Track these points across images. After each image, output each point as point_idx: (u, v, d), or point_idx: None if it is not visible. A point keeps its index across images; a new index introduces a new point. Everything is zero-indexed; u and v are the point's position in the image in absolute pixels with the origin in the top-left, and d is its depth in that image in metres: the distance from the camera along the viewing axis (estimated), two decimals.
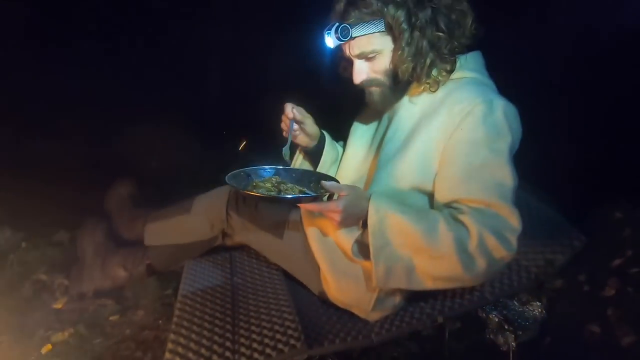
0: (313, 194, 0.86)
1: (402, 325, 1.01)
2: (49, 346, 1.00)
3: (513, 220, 0.79)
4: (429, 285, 0.83)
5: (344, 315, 1.05)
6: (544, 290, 1.07)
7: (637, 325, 0.89)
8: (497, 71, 0.92)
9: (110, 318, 1.12)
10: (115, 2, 2.04)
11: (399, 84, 0.91)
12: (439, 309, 1.06)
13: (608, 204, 1.11)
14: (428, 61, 0.85)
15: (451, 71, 0.87)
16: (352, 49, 0.89)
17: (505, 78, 0.90)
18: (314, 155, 1.15)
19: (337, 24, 0.86)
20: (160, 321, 1.11)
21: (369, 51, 0.88)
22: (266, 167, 1.03)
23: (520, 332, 0.99)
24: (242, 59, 2.13)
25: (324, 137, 1.14)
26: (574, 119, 1.28)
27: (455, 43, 0.86)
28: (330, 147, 1.15)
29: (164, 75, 1.96)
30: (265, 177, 1.01)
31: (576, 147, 1.23)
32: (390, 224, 0.82)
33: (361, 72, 0.91)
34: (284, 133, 1.06)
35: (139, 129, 1.74)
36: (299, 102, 1.05)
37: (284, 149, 1.02)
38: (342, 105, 1.14)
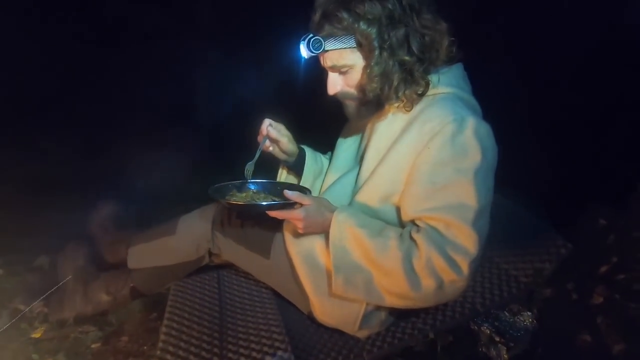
0: (283, 202, 0.86)
1: (393, 341, 1.00)
2: None
3: (469, 244, 0.77)
4: (387, 300, 0.84)
5: (335, 333, 1.03)
6: (534, 300, 1.07)
7: (627, 333, 0.89)
8: (480, 82, 0.93)
9: (93, 346, 1.08)
10: (95, 21, 2.04)
11: (372, 100, 0.91)
12: (431, 323, 1.04)
13: (592, 211, 1.12)
14: (395, 82, 0.84)
15: (423, 93, 0.86)
16: (325, 60, 0.90)
17: (489, 89, 0.91)
18: (296, 170, 1.15)
19: (311, 35, 0.86)
20: (145, 347, 1.08)
21: (340, 65, 0.88)
22: (253, 180, 1.04)
23: (512, 344, 0.98)
24: (230, 72, 2.14)
25: (304, 152, 1.14)
26: (559, 128, 1.31)
27: (428, 65, 0.86)
28: (312, 162, 1.15)
29: (148, 94, 1.95)
30: (247, 190, 1.03)
31: (561, 155, 1.25)
32: (349, 236, 0.83)
33: (334, 84, 0.91)
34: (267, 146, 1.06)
35: (121, 149, 1.71)
36: (283, 116, 1.05)
37: (247, 164, 1.02)
38: (332, 117, 1.14)
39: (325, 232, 0.88)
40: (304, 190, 0.96)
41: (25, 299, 1.20)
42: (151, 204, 1.44)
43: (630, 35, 1.22)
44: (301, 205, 0.88)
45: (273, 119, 1.04)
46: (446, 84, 0.88)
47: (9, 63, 1.69)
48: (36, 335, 1.09)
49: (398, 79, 0.84)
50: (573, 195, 1.21)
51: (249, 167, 1.02)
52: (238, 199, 0.95)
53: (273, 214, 0.86)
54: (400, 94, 0.86)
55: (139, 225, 1.32)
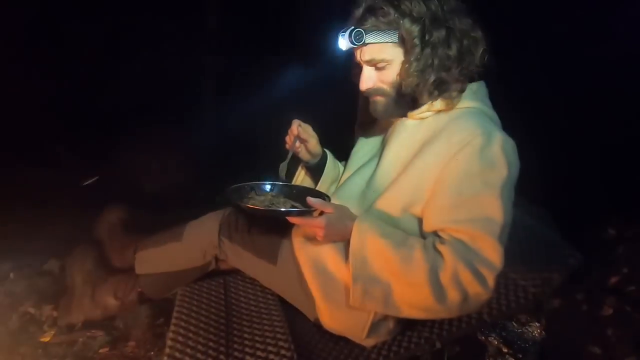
0: (302, 209, 0.86)
1: (400, 350, 0.99)
2: None
3: (494, 257, 0.77)
4: (405, 312, 0.82)
5: (340, 341, 1.03)
6: (543, 311, 1.06)
7: (638, 346, 0.87)
8: (496, 97, 0.93)
9: (100, 350, 1.09)
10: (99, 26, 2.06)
11: (403, 98, 0.91)
12: (437, 332, 1.04)
13: (602, 221, 1.11)
14: (432, 79, 0.85)
15: (456, 96, 0.87)
16: (364, 54, 0.90)
17: (504, 102, 0.91)
18: (315, 172, 1.15)
19: (353, 27, 0.87)
20: (151, 352, 1.08)
21: (379, 59, 0.89)
22: (268, 182, 1.03)
23: (520, 355, 0.97)
24: (241, 78, 2.15)
25: (326, 155, 1.14)
26: (568, 138, 1.30)
27: (464, 68, 0.87)
28: (332, 166, 1.15)
29: (155, 99, 1.96)
30: (264, 192, 1.02)
31: (571, 165, 1.24)
32: (371, 246, 0.82)
33: (369, 79, 0.91)
34: (287, 146, 1.07)
35: (130, 153, 1.73)
36: (306, 119, 1.06)
37: (281, 164, 1.03)
38: (348, 123, 1.14)
39: (345, 241, 0.87)
40: (324, 197, 0.94)
41: (35, 302, 1.21)
42: (159, 209, 1.44)
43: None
44: (321, 212, 0.87)
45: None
46: (473, 99, 0.89)
47: (11, 67, 1.72)
48: (45, 339, 1.11)
49: (435, 76, 0.85)
50: (583, 204, 1.20)
51: (283, 166, 1.02)
52: (257, 202, 0.93)
53: (293, 220, 0.86)
54: (435, 93, 0.87)
55: (147, 230, 1.33)
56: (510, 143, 0.84)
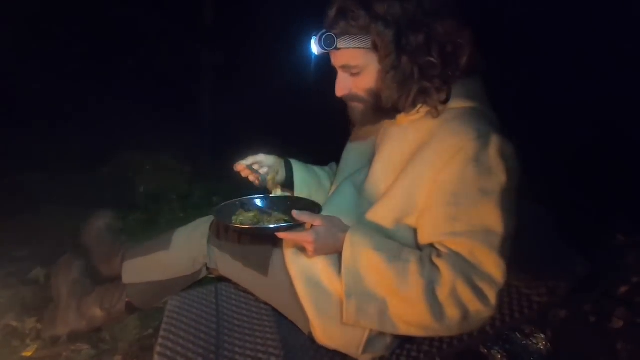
0: (291, 224, 0.81)
1: None
2: None
3: (495, 272, 0.71)
4: (402, 329, 0.77)
5: (336, 356, 0.98)
6: (548, 322, 1.01)
7: None
8: (497, 96, 0.86)
9: None
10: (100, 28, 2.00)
11: (382, 106, 0.85)
12: (438, 346, 0.99)
13: (611, 227, 1.06)
14: (414, 90, 0.79)
15: (447, 101, 0.81)
16: (336, 59, 0.85)
17: (506, 102, 0.85)
18: (288, 184, 1.11)
19: (324, 31, 0.81)
20: None
21: (352, 65, 0.83)
22: (258, 196, 1.00)
23: None
24: (236, 81, 2.10)
25: (291, 166, 1.10)
26: (576, 143, 1.24)
27: (448, 73, 0.80)
28: (303, 172, 1.11)
29: (150, 102, 1.91)
30: (254, 207, 0.98)
31: (579, 171, 1.19)
32: (363, 260, 0.77)
33: (344, 85, 0.86)
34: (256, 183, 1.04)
35: (118, 160, 1.68)
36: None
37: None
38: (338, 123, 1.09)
39: (337, 253, 0.82)
40: (315, 207, 0.89)
41: (18, 314, 1.17)
42: (147, 214, 1.39)
43: None
44: (311, 225, 0.82)
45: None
46: (466, 97, 0.81)
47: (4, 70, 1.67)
48: (27, 353, 1.06)
49: (417, 86, 0.79)
50: (591, 210, 1.14)
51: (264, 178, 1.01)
52: (245, 220, 0.90)
53: (282, 235, 0.81)
54: (419, 103, 0.81)
55: (133, 238, 1.28)
56: (509, 146, 0.77)
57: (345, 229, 0.81)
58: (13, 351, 1.06)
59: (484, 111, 0.81)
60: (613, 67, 1.21)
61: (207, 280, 1.31)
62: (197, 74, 2.18)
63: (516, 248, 1.17)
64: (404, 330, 0.77)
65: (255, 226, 0.81)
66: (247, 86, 1.98)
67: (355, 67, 0.83)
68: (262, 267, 1.09)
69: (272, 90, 1.87)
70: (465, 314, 0.70)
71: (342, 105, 0.91)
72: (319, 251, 0.80)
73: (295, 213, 0.78)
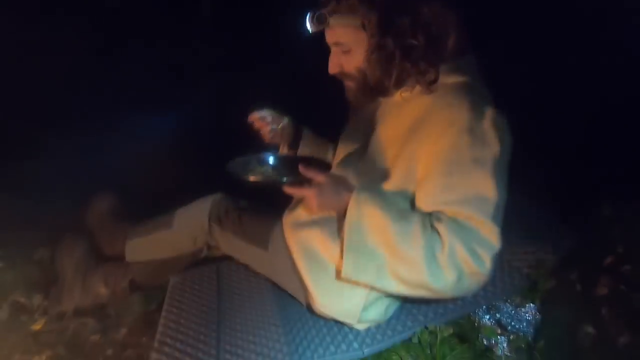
0: (298, 179, 0.83)
1: (393, 334, 0.98)
2: None
3: (491, 237, 0.74)
4: (396, 287, 0.79)
5: (334, 326, 1.02)
6: (537, 292, 1.05)
7: (632, 324, 0.86)
8: (487, 72, 0.89)
9: (91, 338, 1.08)
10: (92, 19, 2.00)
11: (373, 86, 0.88)
12: (431, 315, 1.03)
13: (598, 202, 1.09)
14: (396, 71, 0.82)
15: (434, 82, 0.83)
16: (329, 36, 0.89)
17: (494, 76, 0.88)
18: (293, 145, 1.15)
19: (317, 10, 0.85)
20: (143, 338, 1.07)
21: (342, 43, 0.87)
22: (271, 153, 1.02)
23: (514, 336, 0.97)
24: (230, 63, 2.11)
25: (301, 128, 1.14)
26: (563, 116, 1.26)
27: (434, 56, 0.83)
28: (311, 136, 1.14)
29: (147, 85, 1.93)
30: (266, 163, 1.00)
31: (566, 144, 1.21)
32: (368, 218, 0.79)
33: (335, 62, 0.90)
34: (267, 138, 1.05)
35: (120, 142, 1.70)
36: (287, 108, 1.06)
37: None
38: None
39: (340, 212, 0.83)
40: (323, 166, 0.91)
41: (25, 291, 1.20)
42: (149, 196, 1.42)
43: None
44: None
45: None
46: (459, 73, 0.84)
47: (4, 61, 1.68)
48: (36, 327, 1.10)
49: (400, 67, 0.82)
50: (579, 185, 1.18)
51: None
52: (256, 173, 0.91)
53: (288, 189, 0.83)
54: (404, 83, 0.84)
55: (136, 218, 1.31)
56: (502, 118, 0.80)
57: (350, 189, 0.83)
58: (22, 325, 1.10)
59: (477, 86, 0.83)
60: (599, 42, 1.23)
61: (208, 260, 1.35)
62: (191, 58, 2.18)
63: (508, 223, 1.21)
64: (398, 288, 0.79)
65: (266, 178, 0.83)
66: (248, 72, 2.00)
67: (346, 45, 0.86)
68: (263, 242, 1.12)
69: (273, 77, 1.88)
70: (460, 277, 0.73)
71: (341, 87, 0.94)
72: (321, 207, 0.82)
73: (302, 168, 0.80)
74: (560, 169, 1.19)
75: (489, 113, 0.78)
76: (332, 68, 0.91)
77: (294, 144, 1.13)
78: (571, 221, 1.12)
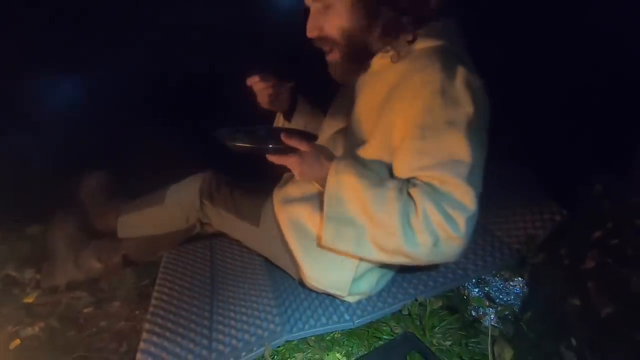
0: (284, 146, 0.81)
1: (384, 306, 1.00)
2: (17, 341, 0.96)
3: (465, 199, 0.72)
4: (375, 255, 0.79)
5: (326, 299, 1.03)
6: (526, 266, 1.07)
7: (617, 296, 0.88)
8: (476, 38, 0.87)
9: (85, 310, 1.08)
10: None
11: (354, 50, 0.86)
12: (421, 288, 1.04)
13: (589, 177, 1.10)
14: (379, 29, 0.81)
15: (413, 40, 0.82)
16: None
17: (487, 45, 0.86)
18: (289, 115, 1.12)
19: None
20: (137, 312, 1.08)
21: None
22: (261, 126, 0.97)
23: (502, 308, 0.98)
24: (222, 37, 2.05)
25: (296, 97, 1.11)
26: (553, 91, 1.25)
27: (416, 15, 0.81)
28: (305, 105, 1.12)
29: (136, 60, 1.88)
30: (253, 134, 0.95)
31: (556, 120, 1.20)
32: (346, 185, 0.79)
33: (315, 24, 0.86)
34: (265, 104, 1.02)
35: (112, 117, 1.68)
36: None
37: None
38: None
39: (322, 180, 0.83)
40: (309, 137, 0.89)
41: (17, 266, 1.20)
42: (141, 172, 1.41)
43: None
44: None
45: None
46: (435, 37, 0.82)
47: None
48: (28, 300, 1.10)
49: (385, 18, 0.80)
50: (569, 160, 1.18)
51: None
52: (242, 141, 0.86)
53: (272, 158, 0.82)
54: (386, 40, 0.83)
55: (128, 194, 1.30)
56: (476, 80, 0.78)
57: (331, 158, 0.83)
58: (14, 298, 1.10)
59: (454, 51, 0.82)
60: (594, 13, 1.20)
61: (202, 237, 1.36)
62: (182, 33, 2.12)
63: (499, 199, 1.22)
64: (377, 256, 0.80)
65: (251, 145, 0.81)
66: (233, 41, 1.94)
67: (324, 1, 0.83)
68: (254, 218, 1.12)
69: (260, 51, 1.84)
70: (436, 241, 0.73)
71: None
72: (304, 175, 0.82)
73: (283, 135, 0.79)
74: (551, 145, 1.19)
75: (462, 74, 0.76)
76: (311, 31, 0.87)
77: (289, 113, 1.11)
78: (561, 197, 1.12)
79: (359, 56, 0.87)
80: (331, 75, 0.93)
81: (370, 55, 0.87)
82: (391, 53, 0.84)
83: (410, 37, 0.82)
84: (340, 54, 0.87)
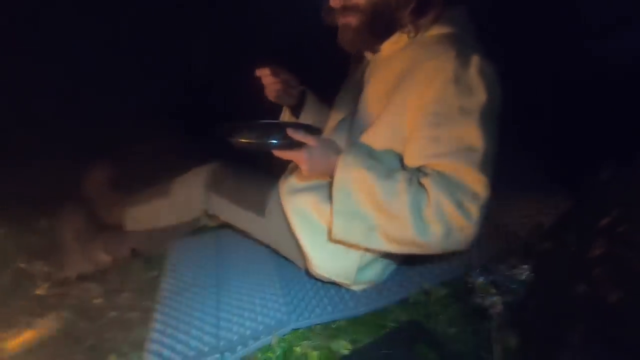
0: (290, 142, 0.80)
1: (389, 294, 1.01)
2: (31, 332, 0.98)
3: (478, 187, 0.73)
4: (386, 246, 0.80)
5: (331, 289, 1.04)
6: (532, 254, 1.06)
7: (623, 283, 0.88)
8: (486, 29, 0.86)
9: (95, 301, 1.10)
10: None
11: (376, 23, 0.84)
12: (427, 276, 1.05)
13: (596, 163, 1.08)
14: (416, 3, 0.79)
15: (431, 23, 0.81)
16: None
17: (493, 34, 0.85)
18: (296, 109, 1.11)
19: None
20: (145, 302, 1.10)
21: None
22: (265, 121, 0.97)
23: (507, 296, 0.98)
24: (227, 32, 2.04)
25: (305, 91, 1.09)
26: (561, 79, 1.23)
27: None
28: (314, 102, 1.10)
29: (144, 56, 1.88)
30: (258, 129, 0.93)
31: (563, 106, 1.19)
32: (354, 179, 0.78)
33: None
34: (273, 97, 1.01)
35: (119, 111, 1.68)
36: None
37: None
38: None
39: (330, 174, 0.83)
40: (314, 131, 0.88)
41: (27, 258, 1.22)
42: (145, 165, 1.42)
43: None
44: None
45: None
46: (447, 24, 0.81)
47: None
48: (39, 292, 1.12)
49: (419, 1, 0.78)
50: (576, 147, 1.17)
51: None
52: (245, 137, 0.86)
53: (278, 153, 0.81)
54: (416, 17, 0.80)
55: (134, 187, 1.31)
56: (490, 66, 0.77)
57: (338, 152, 0.82)
58: (26, 290, 1.12)
59: (466, 38, 0.81)
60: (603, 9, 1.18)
61: (207, 228, 1.37)
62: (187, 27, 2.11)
63: (506, 187, 1.21)
64: (388, 247, 0.80)
65: (257, 141, 0.81)
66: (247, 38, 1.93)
67: None
68: (260, 209, 1.13)
69: (267, 42, 1.83)
70: (448, 230, 0.73)
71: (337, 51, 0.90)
72: (312, 170, 0.82)
73: (289, 131, 0.78)
74: (558, 132, 1.18)
75: (476, 62, 0.75)
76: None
77: (297, 108, 1.10)
78: (569, 183, 1.12)
79: (381, 29, 0.85)
80: (339, 41, 0.88)
81: (393, 30, 0.84)
82: (404, 38, 0.83)
83: (431, 20, 0.80)
84: (361, 23, 0.84)
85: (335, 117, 1.02)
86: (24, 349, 0.95)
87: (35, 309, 1.05)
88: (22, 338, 0.96)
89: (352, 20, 0.84)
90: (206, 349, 0.87)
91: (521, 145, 1.08)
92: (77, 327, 1.01)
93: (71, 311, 1.05)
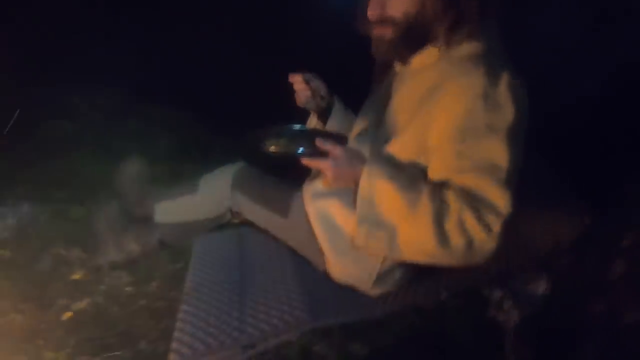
0: (315, 151, 0.83)
1: (405, 300, 1.03)
2: (70, 314, 1.06)
3: (501, 203, 0.73)
4: (407, 255, 0.81)
5: (349, 292, 1.07)
6: (550, 268, 1.07)
7: None
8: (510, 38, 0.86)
9: (126, 289, 1.17)
10: None
11: (411, 35, 0.84)
12: (444, 284, 1.06)
13: (620, 181, 1.07)
14: (454, 17, 0.79)
15: (464, 36, 0.81)
16: None
17: (519, 46, 0.85)
18: (323, 116, 1.13)
19: None
20: (172, 292, 1.16)
21: None
22: (291, 126, 0.98)
23: (523, 310, 1.00)
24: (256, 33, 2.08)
25: (333, 99, 1.12)
26: (588, 91, 1.21)
27: (484, 3, 0.79)
28: (342, 110, 1.13)
29: (174, 53, 1.94)
30: (284, 136, 0.95)
31: (589, 120, 1.17)
32: (379, 189, 0.80)
33: (377, 3, 0.83)
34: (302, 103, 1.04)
35: (151, 108, 1.75)
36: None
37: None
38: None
39: (355, 183, 0.84)
40: (341, 140, 0.89)
41: (64, 244, 1.31)
42: (177, 163, 1.49)
43: None
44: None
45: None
46: (480, 39, 0.81)
47: None
48: (76, 277, 1.20)
49: (457, 14, 0.79)
50: (601, 162, 1.16)
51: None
52: (272, 145, 0.89)
53: (305, 161, 0.84)
54: (452, 29, 0.81)
55: (165, 183, 1.37)
56: (520, 83, 0.77)
57: (364, 161, 0.84)
58: (63, 275, 1.21)
59: (496, 52, 0.81)
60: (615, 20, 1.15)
61: (231, 225, 1.42)
62: (218, 29, 2.16)
63: (527, 201, 1.21)
64: (409, 256, 0.82)
65: (282, 151, 0.84)
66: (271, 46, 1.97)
67: None
68: (283, 209, 1.16)
69: (294, 51, 1.86)
70: (469, 243, 0.74)
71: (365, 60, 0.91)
72: (337, 179, 0.83)
73: (318, 140, 0.81)
74: (584, 146, 1.17)
75: (505, 78, 0.76)
76: (373, 8, 0.84)
77: (324, 115, 1.13)
78: (592, 199, 1.11)
79: (415, 42, 0.86)
80: (372, 51, 0.90)
81: (426, 43, 0.85)
82: (435, 52, 0.84)
83: (465, 33, 0.80)
84: (395, 35, 0.85)
85: (360, 125, 1.04)
86: (62, 329, 1.02)
87: (72, 292, 1.14)
88: (62, 318, 1.04)
89: (387, 32, 0.85)
90: (228, 341, 0.92)
91: (544, 156, 1.07)
92: (110, 312, 1.09)
93: (105, 297, 1.13)
